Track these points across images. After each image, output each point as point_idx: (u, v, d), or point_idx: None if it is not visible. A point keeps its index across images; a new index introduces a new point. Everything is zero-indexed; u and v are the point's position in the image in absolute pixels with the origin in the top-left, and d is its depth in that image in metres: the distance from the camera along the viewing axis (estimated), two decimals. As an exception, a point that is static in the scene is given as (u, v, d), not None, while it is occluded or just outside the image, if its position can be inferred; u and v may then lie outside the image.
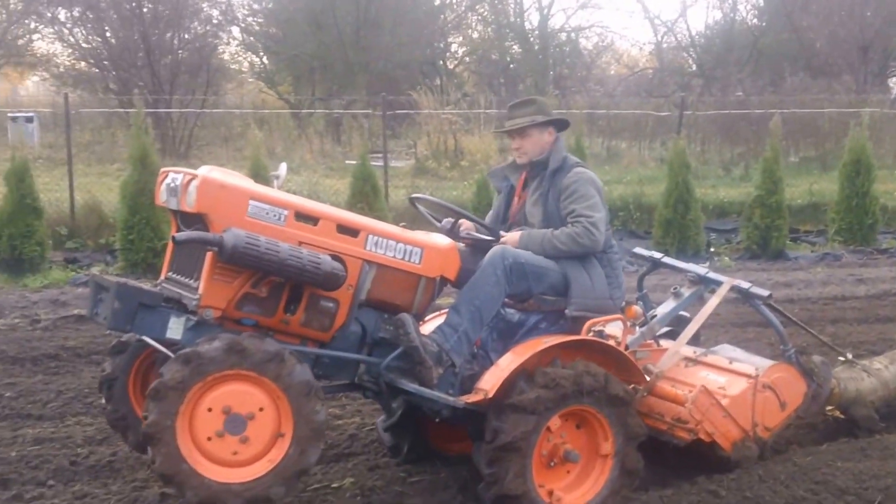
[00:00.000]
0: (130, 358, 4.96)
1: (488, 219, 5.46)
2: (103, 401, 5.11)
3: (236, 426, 4.05)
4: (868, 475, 5.20)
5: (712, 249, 13.02)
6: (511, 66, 34.75)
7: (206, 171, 4.36)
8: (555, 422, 4.60)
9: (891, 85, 32.41)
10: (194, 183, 4.27)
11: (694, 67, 34.57)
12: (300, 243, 4.37)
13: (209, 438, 4.02)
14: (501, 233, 5.16)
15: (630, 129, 23.63)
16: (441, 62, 34.88)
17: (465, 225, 5.25)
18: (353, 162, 19.23)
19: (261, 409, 4.09)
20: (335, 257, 4.41)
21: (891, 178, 16.91)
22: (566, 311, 4.94)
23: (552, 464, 4.69)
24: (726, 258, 13.32)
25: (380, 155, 16.40)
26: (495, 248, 4.94)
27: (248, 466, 4.09)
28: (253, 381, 4.07)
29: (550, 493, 4.64)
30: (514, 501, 4.48)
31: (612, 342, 5.01)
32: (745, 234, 13.73)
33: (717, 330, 8.31)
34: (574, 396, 4.58)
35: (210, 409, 4.02)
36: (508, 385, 4.52)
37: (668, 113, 20.71)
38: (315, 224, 4.48)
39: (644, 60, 39.47)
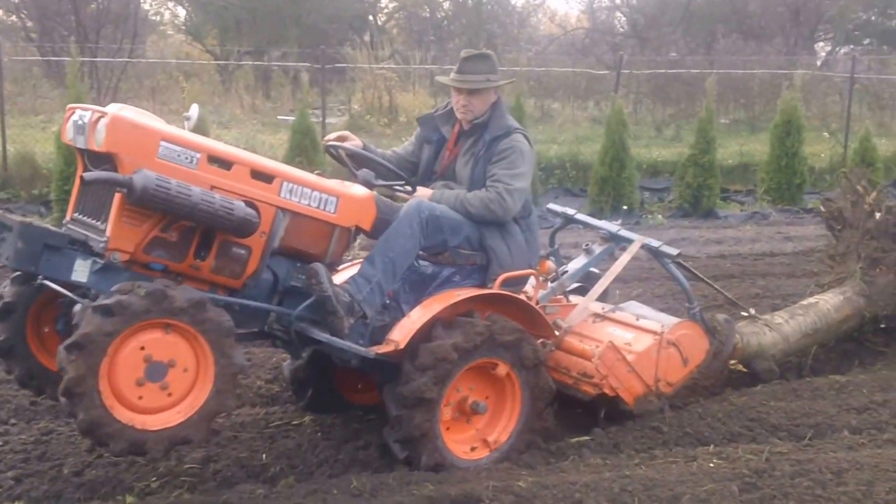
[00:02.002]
0: (34, 292, 4.59)
1: (413, 165, 5.39)
2: None
3: (157, 373, 3.96)
4: (799, 413, 5.48)
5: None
6: (444, 23, 34.53)
7: (117, 108, 4.20)
8: (466, 372, 4.67)
9: (818, 49, 33.15)
10: (104, 121, 4.10)
11: (626, 27, 34.81)
12: (212, 188, 4.24)
13: (130, 387, 3.91)
14: (419, 188, 5.10)
15: (564, 89, 23.75)
16: (371, 17, 34.50)
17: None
18: (285, 117, 19.10)
19: (180, 356, 4.00)
20: (249, 203, 4.31)
21: (818, 140, 17.35)
22: (487, 285, 4.95)
23: (461, 413, 4.78)
24: (659, 216, 13.59)
25: (314, 111, 16.31)
26: (412, 201, 4.91)
27: (169, 412, 4.01)
28: (173, 329, 3.98)
29: (455, 441, 4.74)
30: (419, 443, 4.55)
31: (523, 296, 5.08)
32: (678, 193, 14.00)
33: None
34: (489, 349, 4.66)
35: (130, 358, 3.89)
36: (419, 336, 4.56)
37: (604, 72, 20.87)
38: (228, 169, 4.35)
39: (576, 20, 39.56)
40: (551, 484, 4.33)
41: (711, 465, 4.62)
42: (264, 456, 4.85)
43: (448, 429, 4.72)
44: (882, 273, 6.78)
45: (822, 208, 7.45)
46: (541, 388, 4.88)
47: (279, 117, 20.06)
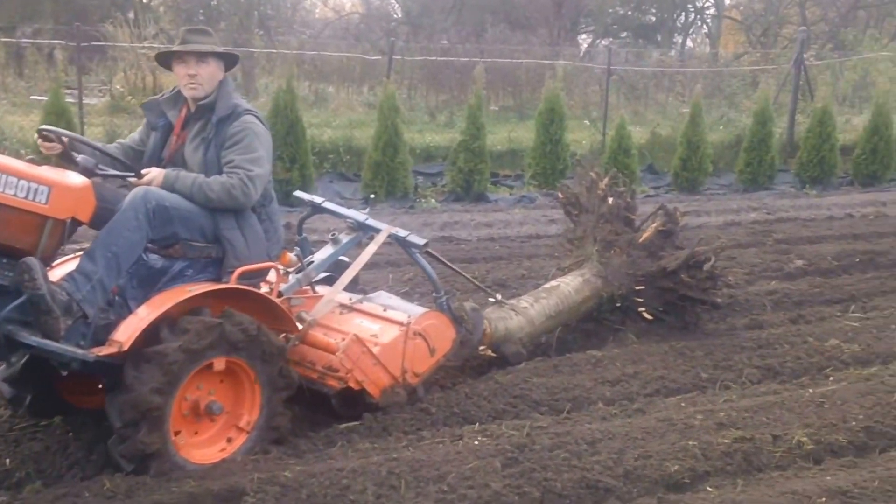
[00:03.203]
0: None
1: (141, 154, 5.06)
2: None
3: None
4: (559, 388, 5.74)
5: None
6: (214, 3, 33.55)
7: None
8: (198, 373, 4.43)
9: (580, 40, 34.82)
10: None
11: (399, 14, 35.21)
12: None
13: None
14: (144, 171, 4.74)
15: (338, 74, 23.71)
16: (135, -7, 32.97)
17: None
18: (39, 97, 17.95)
19: None
20: None
21: (580, 128, 18.23)
22: (223, 279, 4.71)
23: (194, 416, 4.53)
24: (433, 200, 13.85)
25: (71, 91, 15.46)
26: (137, 190, 4.54)
27: None
28: None
29: (192, 445, 4.50)
30: (148, 458, 4.26)
31: (265, 289, 4.91)
32: (450, 178, 14.31)
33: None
34: (221, 347, 4.42)
35: None
36: (147, 335, 4.25)
37: (378, 58, 20.99)
38: None
39: (350, 5, 39.59)
40: (318, 472, 4.30)
41: (476, 442, 4.76)
42: (8, 461, 4.57)
43: (178, 433, 4.43)
44: (616, 255, 7.01)
45: (560, 194, 7.63)
46: (281, 384, 4.70)
47: (33, 97, 18.85)
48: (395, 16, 35.54)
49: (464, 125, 14.33)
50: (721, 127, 19.33)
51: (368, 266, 5.92)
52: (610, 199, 7.17)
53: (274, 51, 20.82)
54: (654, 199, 14.52)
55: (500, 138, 17.30)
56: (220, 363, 4.49)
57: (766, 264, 9.37)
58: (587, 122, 18.96)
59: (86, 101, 15.44)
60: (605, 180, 7.26)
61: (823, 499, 4.22)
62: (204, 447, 4.58)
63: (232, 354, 4.50)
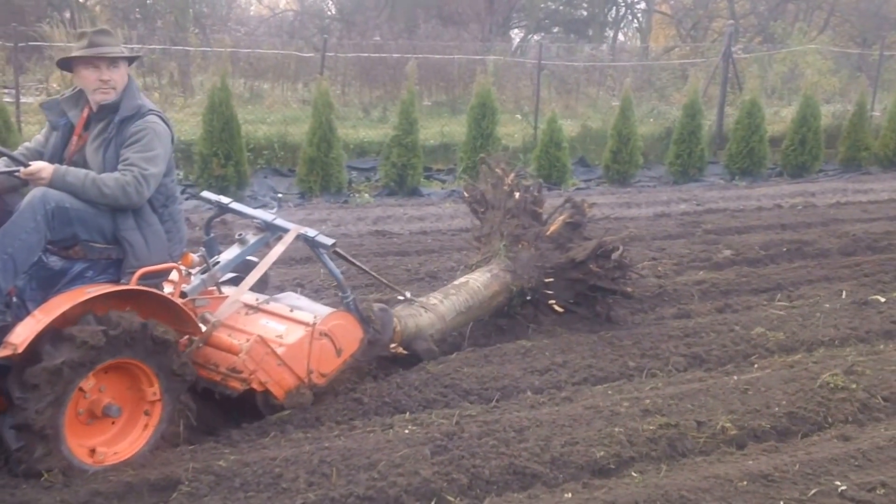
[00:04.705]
0: None
1: (44, 154, 4.94)
2: None
3: None
4: (489, 377, 5.82)
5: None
6: (150, 1, 33.11)
7: None
8: (90, 379, 4.37)
9: (512, 35, 35.05)
10: None
11: (333, 11, 35.09)
12: None
13: None
14: (32, 163, 4.63)
15: (273, 70, 23.54)
16: (71, -7, 32.40)
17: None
18: (-23, 98, 17.60)
19: None
20: None
21: (511, 122, 18.37)
22: (122, 280, 4.65)
23: (91, 422, 4.47)
24: (366, 195, 13.87)
25: (9, 90, 15.24)
26: (35, 191, 4.48)
27: None
28: None
29: (93, 451, 4.46)
30: (50, 471, 4.21)
31: (169, 290, 4.89)
32: (384, 172, 14.34)
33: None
34: (108, 351, 4.35)
35: None
36: (39, 342, 4.20)
37: (312, 55, 20.90)
38: None
39: (284, 2, 39.35)
40: (252, 461, 4.37)
41: (406, 431, 4.83)
42: None
43: (76, 435, 4.38)
44: (524, 248, 7.02)
45: (465, 193, 7.63)
46: (178, 379, 4.67)
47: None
48: (329, 12, 35.40)
49: (396, 120, 14.37)
50: (651, 120, 19.62)
51: (282, 264, 5.83)
52: (517, 194, 7.17)
53: (209, 49, 20.62)
54: (584, 191, 14.75)
55: (433, 133, 17.36)
56: (113, 365, 4.43)
57: (695, 255, 9.54)
58: (519, 116, 19.10)
59: (23, 100, 15.26)
60: (511, 175, 7.28)
61: (745, 482, 4.34)
62: (104, 447, 4.51)
63: (121, 356, 4.43)
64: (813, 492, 4.24)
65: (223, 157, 12.80)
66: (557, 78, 23.02)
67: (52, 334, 4.24)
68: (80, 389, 4.33)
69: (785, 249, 9.81)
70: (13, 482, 4.19)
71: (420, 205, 13.34)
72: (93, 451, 4.44)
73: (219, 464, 4.34)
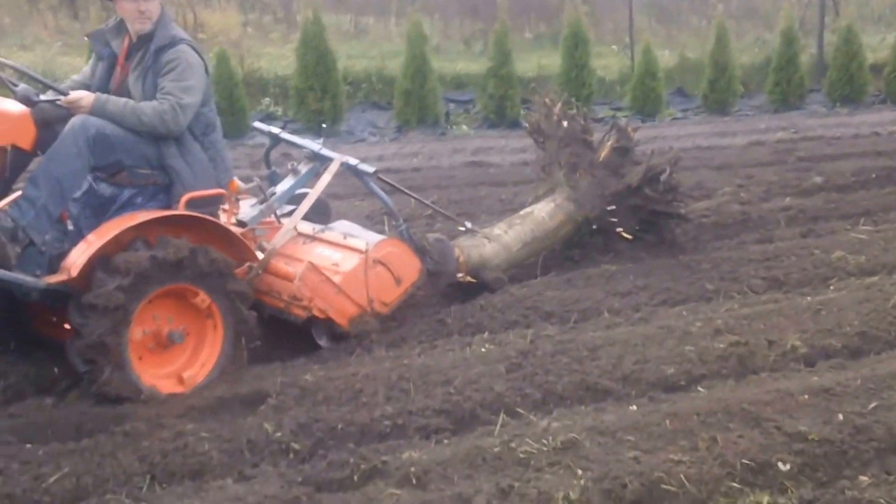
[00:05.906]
0: None
1: (91, 86, 5.01)
2: None
3: None
4: (570, 300, 5.98)
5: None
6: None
7: None
8: (148, 306, 4.45)
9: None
10: None
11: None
12: None
13: None
14: (72, 92, 4.72)
15: (375, 6, 23.67)
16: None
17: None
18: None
19: None
20: None
21: (610, 53, 18.17)
22: (172, 207, 4.73)
23: (157, 347, 4.59)
24: (465, 127, 14.04)
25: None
26: (76, 118, 4.56)
27: None
28: None
29: (161, 377, 4.58)
30: (117, 396, 4.35)
31: (224, 218, 4.97)
32: (482, 104, 14.46)
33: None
34: (161, 277, 4.41)
35: None
36: (91, 268, 4.27)
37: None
38: None
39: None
40: (336, 376, 4.66)
41: (483, 349, 5.07)
42: (56, 370, 4.82)
43: (141, 358, 4.52)
44: (582, 176, 6.99)
45: (526, 123, 7.63)
46: (236, 304, 4.75)
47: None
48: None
49: (492, 52, 14.41)
50: (756, 49, 19.14)
51: (333, 197, 5.91)
52: (565, 123, 7.18)
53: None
54: (680, 121, 14.62)
55: (532, 65, 17.31)
56: (171, 291, 4.53)
57: (785, 182, 9.49)
58: (614, 47, 18.86)
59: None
60: (559, 105, 7.28)
61: (806, 395, 4.42)
62: (161, 378, 4.63)
63: (177, 281, 4.51)
64: (873, 405, 4.31)
65: (319, 92, 13.05)
66: (657, 7, 22.53)
67: (104, 260, 4.32)
68: (141, 315, 4.43)
69: (875, 176, 9.67)
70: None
71: (521, 136, 13.31)
72: (160, 377, 4.60)
73: (305, 378, 4.63)
